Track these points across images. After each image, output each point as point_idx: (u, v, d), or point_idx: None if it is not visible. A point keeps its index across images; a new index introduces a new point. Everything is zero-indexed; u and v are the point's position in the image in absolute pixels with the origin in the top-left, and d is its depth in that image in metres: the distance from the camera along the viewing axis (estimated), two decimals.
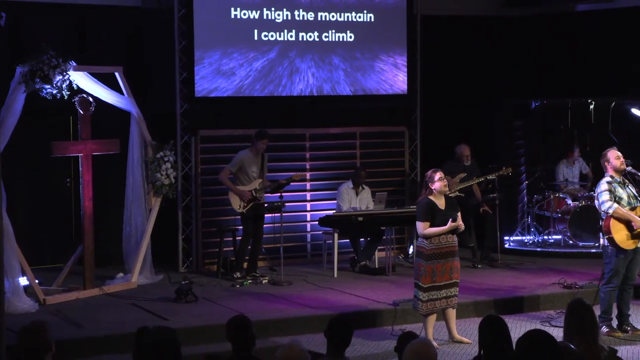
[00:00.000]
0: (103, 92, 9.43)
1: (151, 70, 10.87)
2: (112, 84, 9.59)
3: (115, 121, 9.97)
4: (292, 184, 10.43)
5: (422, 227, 7.75)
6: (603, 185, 8.10)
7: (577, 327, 4.82)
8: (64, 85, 8.93)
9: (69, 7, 10.50)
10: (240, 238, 10.21)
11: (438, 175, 7.80)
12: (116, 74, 9.63)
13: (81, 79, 9.21)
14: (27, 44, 9.88)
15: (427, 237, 7.74)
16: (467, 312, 8.58)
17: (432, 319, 7.87)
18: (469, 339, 7.99)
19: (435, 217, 7.73)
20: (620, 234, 7.99)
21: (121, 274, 9.84)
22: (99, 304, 8.94)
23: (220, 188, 10.33)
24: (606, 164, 8.16)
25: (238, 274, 9.96)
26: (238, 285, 9.72)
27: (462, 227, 7.87)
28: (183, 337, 4.58)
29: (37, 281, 8.91)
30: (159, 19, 10.68)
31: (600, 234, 8.20)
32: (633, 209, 8.05)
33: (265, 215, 10.25)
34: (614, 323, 8.22)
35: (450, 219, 7.70)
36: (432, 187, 7.78)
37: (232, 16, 10.63)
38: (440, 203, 7.80)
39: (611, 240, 8.02)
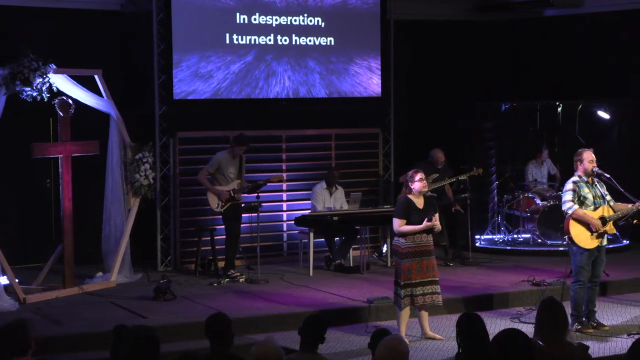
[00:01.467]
0: (82, 95, 9.47)
1: (135, 73, 10.91)
2: (94, 87, 9.66)
3: (95, 123, 9.99)
4: (268, 184, 10.54)
5: (398, 224, 7.91)
6: (569, 184, 8.22)
7: (549, 324, 4.83)
8: (44, 88, 8.98)
9: (53, 11, 10.50)
10: (224, 237, 10.25)
11: (419, 176, 7.95)
12: (95, 76, 9.67)
13: (61, 82, 9.25)
14: (15, 47, 9.83)
15: (402, 234, 7.89)
16: (438, 309, 8.69)
17: (405, 315, 7.98)
18: (441, 335, 8.12)
19: (411, 215, 7.90)
20: (578, 233, 8.16)
21: (100, 273, 9.87)
22: (78, 302, 8.97)
23: (198, 188, 10.41)
24: (578, 163, 8.21)
25: (232, 272, 10.05)
26: (215, 284, 9.82)
27: (438, 227, 8.01)
28: (161, 335, 4.59)
29: (17, 280, 8.93)
30: (139, 22, 10.71)
31: None
32: (597, 208, 8.17)
33: (243, 215, 10.37)
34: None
35: (426, 219, 7.86)
36: (412, 187, 7.95)
37: (210, 20, 10.69)
38: (419, 202, 7.95)
39: (571, 239, 8.21)
